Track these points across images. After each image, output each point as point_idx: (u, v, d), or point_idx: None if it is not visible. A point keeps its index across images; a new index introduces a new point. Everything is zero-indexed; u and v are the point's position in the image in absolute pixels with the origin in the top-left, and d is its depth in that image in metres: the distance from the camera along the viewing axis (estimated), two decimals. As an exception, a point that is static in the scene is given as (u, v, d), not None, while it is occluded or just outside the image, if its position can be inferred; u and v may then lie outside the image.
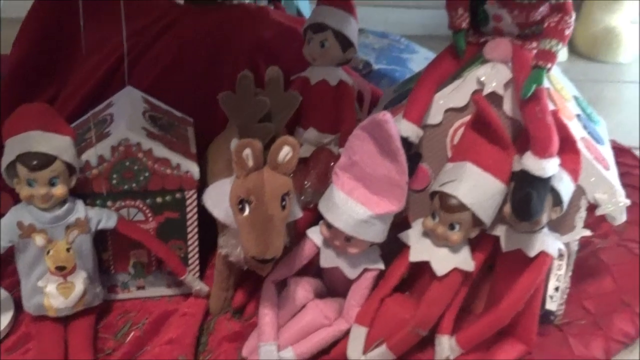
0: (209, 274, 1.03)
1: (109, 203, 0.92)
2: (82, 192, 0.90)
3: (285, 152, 0.76)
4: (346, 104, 1.00)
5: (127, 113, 0.95)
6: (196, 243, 0.98)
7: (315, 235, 0.88)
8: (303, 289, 0.88)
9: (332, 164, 1.01)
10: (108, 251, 0.95)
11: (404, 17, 2.21)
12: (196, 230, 0.97)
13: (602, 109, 1.77)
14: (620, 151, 1.36)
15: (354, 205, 0.80)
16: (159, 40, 1.22)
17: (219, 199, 0.83)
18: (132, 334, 0.92)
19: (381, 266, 0.88)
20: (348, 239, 0.83)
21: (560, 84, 0.96)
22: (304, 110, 1.01)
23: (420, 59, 1.36)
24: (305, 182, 0.99)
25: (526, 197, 0.75)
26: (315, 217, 0.93)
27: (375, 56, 1.31)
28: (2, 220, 0.85)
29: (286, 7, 1.41)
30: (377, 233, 0.83)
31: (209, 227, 0.94)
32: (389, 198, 0.80)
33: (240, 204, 0.76)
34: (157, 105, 1.05)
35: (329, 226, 0.83)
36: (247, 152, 0.75)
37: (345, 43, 0.99)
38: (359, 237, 0.82)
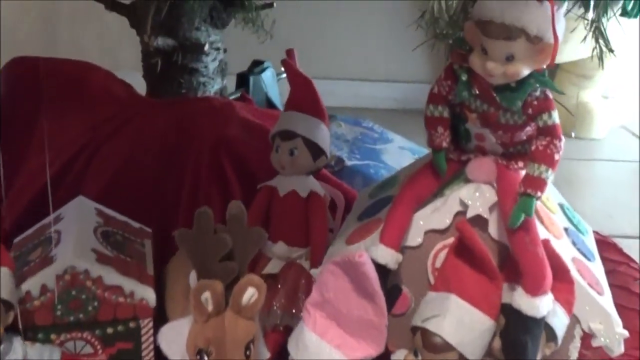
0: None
1: (53, 336, 0.82)
2: (22, 324, 0.80)
3: (249, 294, 0.68)
4: (318, 216, 0.92)
5: (75, 232, 0.86)
6: (151, 380, 0.88)
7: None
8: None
9: (302, 281, 0.93)
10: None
11: (375, 91, 2.17)
12: (153, 361, 0.87)
13: (577, 188, 1.75)
14: (603, 244, 1.30)
15: (327, 350, 0.71)
16: (116, 136, 1.14)
17: (176, 340, 0.74)
18: None
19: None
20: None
21: (545, 194, 0.90)
22: (272, 223, 0.93)
23: (394, 149, 1.31)
24: (274, 303, 0.90)
25: (521, 346, 0.67)
26: (284, 340, 0.85)
27: (348, 150, 1.24)
28: None
29: (254, 94, 1.35)
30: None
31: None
32: (367, 341, 0.71)
33: (198, 354, 0.67)
34: (112, 217, 0.96)
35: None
36: (207, 295, 0.67)
37: (316, 151, 0.92)
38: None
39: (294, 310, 0.91)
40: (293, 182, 0.92)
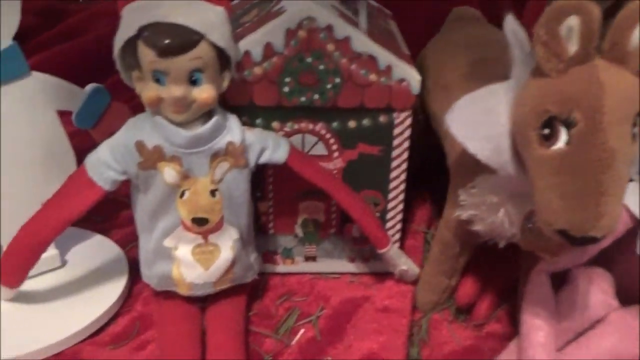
0: (408, 246, 0.68)
1: (275, 124, 0.58)
2: (235, 103, 0.56)
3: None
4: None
5: (307, -15, 0.59)
6: (402, 197, 0.62)
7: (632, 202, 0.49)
8: (600, 290, 0.51)
9: None
10: (267, 200, 0.62)
11: None
12: (404, 176, 0.61)
13: None
14: None
15: None
16: None
17: (476, 123, 0.46)
18: (301, 331, 0.58)
19: None
20: None
21: None
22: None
23: None
24: None
25: None
26: None
27: None
28: (112, 140, 0.54)
29: None
30: None
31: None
32: None
33: (546, 126, 0.39)
34: (345, -15, 0.69)
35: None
36: (573, 22, 0.38)
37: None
38: None
39: None
40: None
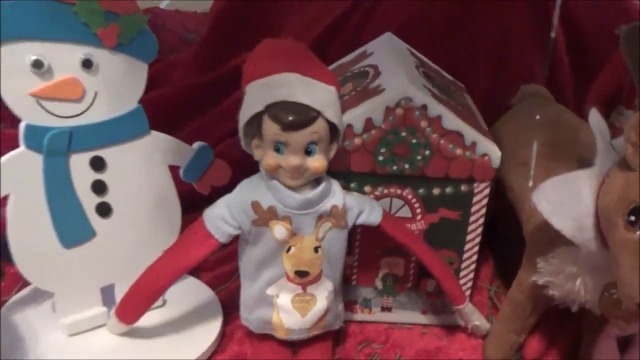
0: (475, 302, 0.74)
1: (367, 188, 0.65)
2: (334, 168, 0.63)
3: None
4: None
5: (399, 65, 0.67)
6: (475, 257, 0.69)
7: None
8: (663, 354, 0.56)
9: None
10: (353, 255, 0.69)
11: None
12: (479, 239, 0.68)
13: None
14: None
15: None
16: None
17: (562, 204, 0.53)
18: (383, 377, 0.64)
19: None
20: None
21: None
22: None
23: None
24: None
25: None
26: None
27: None
28: (229, 198, 0.61)
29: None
30: None
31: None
32: None
33: (633, 214, 0.46)
34: (424, 60, 0.77)
35: None
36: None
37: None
38: None
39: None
40: None
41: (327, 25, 0.97)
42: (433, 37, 0.91)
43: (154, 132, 0.66)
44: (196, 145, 0.70)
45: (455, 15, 0.92)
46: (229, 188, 0.62)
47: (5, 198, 0.60)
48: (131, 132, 0.65)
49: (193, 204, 0.70)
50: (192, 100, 1.03)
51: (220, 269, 0.78)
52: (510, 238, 0.73)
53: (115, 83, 0.63)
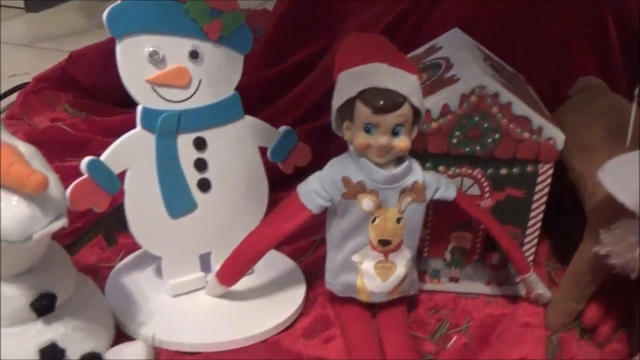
0: (535, 275, 0.80)
1: (441, 168, 0.72)
2: (412, 149, 0.70)
3: None
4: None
5: (470, 57, 0.74)
6: (537, 233, 0.75)
7: None
8: None
9: None
10: (426, 229, 0.75)
11: None
12: (541, 216, 0.74)
13: None
14: None
15: None
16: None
17: (628, 180, 0.59)
18: (454, 338, 0.71)
19: None
20: None
21: None
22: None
23: None
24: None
25: None
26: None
27: None
28: (321, 174, 0.68)
29: None
30: None
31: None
32: None
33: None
34: (489, 54, 0.83)
35: None
36: None
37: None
38: None
39: None
40: None
41: (387, 23, 1.04)
42: (491, 36, 0.97)
43: (247, 117, 0.74)
44: (282, 129, 0.77)
45: (512, 15, 0.98)
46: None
47: (124, 172, 0.68)
48: (229, 116, 0.73)
49: (273, 182, 0.77)
50: (260, 92, 1.11)
51: (297, 243, 0.85)
52: (567, 218, 0.79)
53: (217, 72, 0.71)
